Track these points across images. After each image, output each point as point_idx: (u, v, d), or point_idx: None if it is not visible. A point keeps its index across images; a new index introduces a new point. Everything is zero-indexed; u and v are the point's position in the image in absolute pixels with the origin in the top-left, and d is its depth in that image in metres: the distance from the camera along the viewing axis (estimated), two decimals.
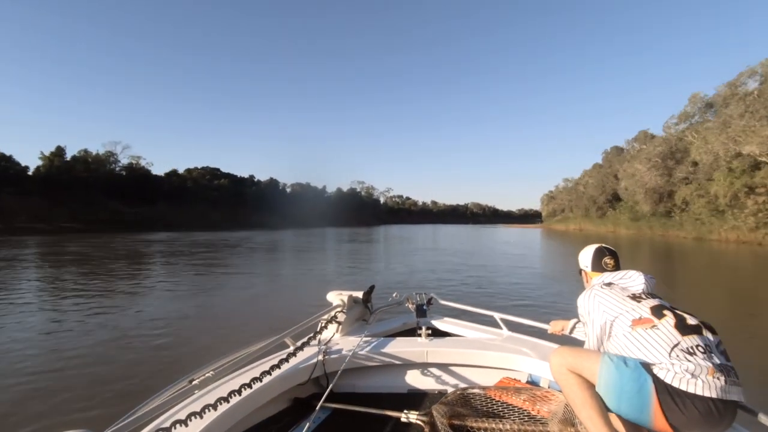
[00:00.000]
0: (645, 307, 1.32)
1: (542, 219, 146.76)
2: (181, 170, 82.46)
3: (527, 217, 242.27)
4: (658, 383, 1.15)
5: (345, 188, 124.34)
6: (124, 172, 64.52)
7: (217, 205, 75.08)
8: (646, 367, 1.19)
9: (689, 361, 1.14)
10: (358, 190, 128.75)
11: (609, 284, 1.50)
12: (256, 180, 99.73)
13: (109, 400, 3.42)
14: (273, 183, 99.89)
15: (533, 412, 1.63)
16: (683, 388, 1.11)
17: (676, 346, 1.18)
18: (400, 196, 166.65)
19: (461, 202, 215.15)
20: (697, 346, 1.17)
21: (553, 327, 2.09)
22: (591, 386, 1.27)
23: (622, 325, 1.32)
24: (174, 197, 67.00)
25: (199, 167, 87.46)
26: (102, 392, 3.58)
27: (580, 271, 1.73)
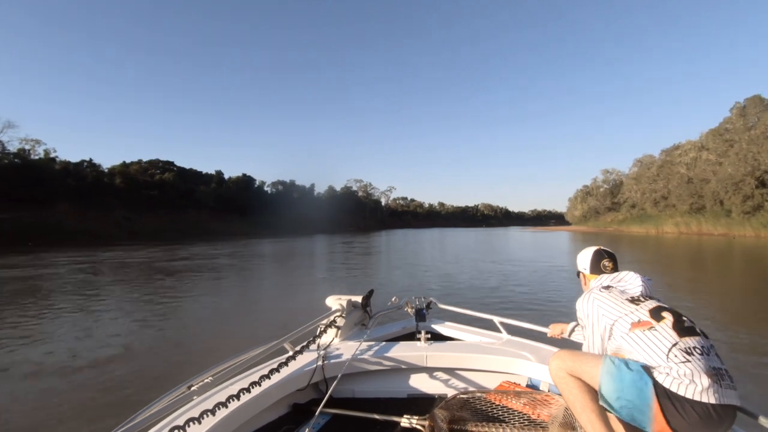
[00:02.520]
0: (644, 310, 1.36)
1: (568, 220, 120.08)
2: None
3: (540, 219, 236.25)
4: (658, 387, 1.18)
5: (338, 187, 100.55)
6: (7, 161, 45.78)
7: (155, 209, 51.12)
8: (647, 370, 1.23)
9: (687, 362, 1.17)
10: (354, 189, 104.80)
11: (608, 287, 1.53)
12: (226, 177, 75.43)
13: (106, 410, 3.45)
14: (245, 180, 76.29)
15: (533, 416, 1.69)
16: (681, 393, 1.14)
17: (674, 346, 1.22)
18: (405, 198, 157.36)
19: (471, 204, 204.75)
20: (694, 348, 1.21)
21: (553, 330, 2.13)
22: (591, 390, 1.32)
23: (621, 328, 1.36)
24: (84, 197, 49.59)
25: (144, 160, 63.61)
26: (98, 403, 3.63)
27: (578, 273, 1.78)
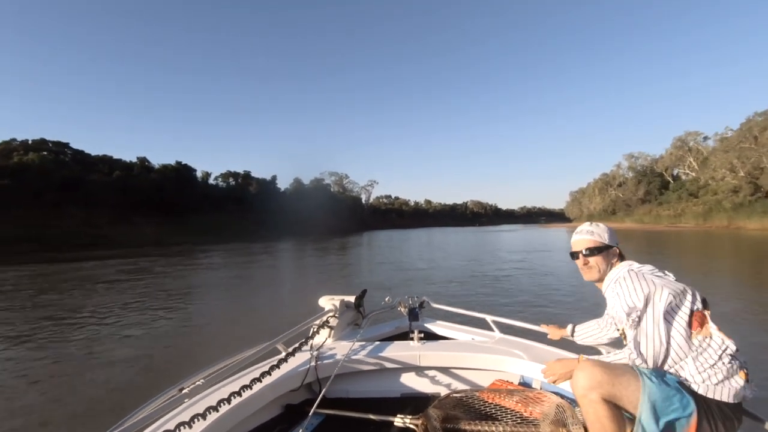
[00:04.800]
0: (699, 301, 1.26)
1: (569, 217, 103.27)
2: None
3: (531, 216, 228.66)
4: (699, 403, 1.15)
5: (307, 180, 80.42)
6: None
7: (6, 206, 27.74)
8: (684, 385, 1.19)
9: (731, 366, 1.17)
10: (327, 182, 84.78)
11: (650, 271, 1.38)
12: (154, 165, 54.24)
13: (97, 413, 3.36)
14: (178, 170, 54.48)
15: (526, 414, 1.77)
16: (718, 397, 1.15)
17: (723, 352, 1.19)
18: (389, 196, 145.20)
19: (459, 201, 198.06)
20: (735, 351, 1.21)
21: (552, 333, 2.10)
22: (621, 416, 1.21)
23: (680, 328, 1.24)
24: None
25: (20, 140, 41.80)
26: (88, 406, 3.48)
27: (601, 248, 1.49)
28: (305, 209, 76.05)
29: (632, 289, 1.24)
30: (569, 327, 1.96)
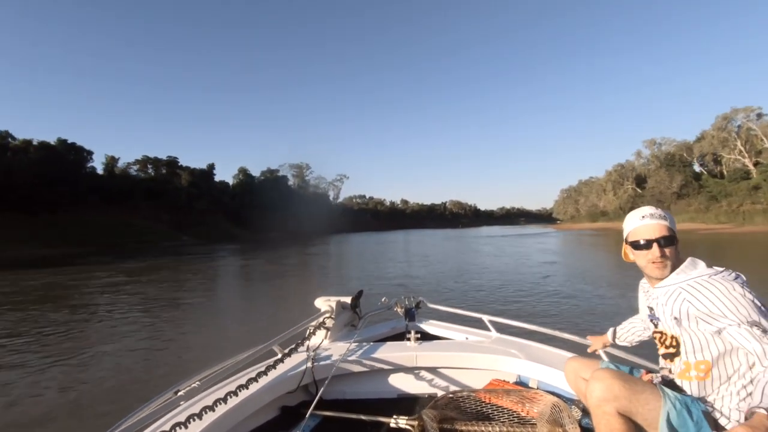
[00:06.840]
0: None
1: (557, 217, 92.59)
2: None
3: (510, 217, 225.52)
4: None
5: (257, 171, 62.41)
6: None
7: None
8: (710, 418, 1.13)
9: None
10: (284, 174, 66.83)
11: None
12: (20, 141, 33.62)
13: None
14: (55, 150, 32.93)
15: (522, 413, 1.86)
16: None
17: None
18: (363, 196, 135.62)
19: (437, 201, 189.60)
20: None
21: (594, 342, 1.98)
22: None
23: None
24: None
25: None
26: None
27: (674, 238, 1.30)
28: (253, 208, 58.55)
29: (742, 295, 1.08)
30: (610, 332, 1.86)
